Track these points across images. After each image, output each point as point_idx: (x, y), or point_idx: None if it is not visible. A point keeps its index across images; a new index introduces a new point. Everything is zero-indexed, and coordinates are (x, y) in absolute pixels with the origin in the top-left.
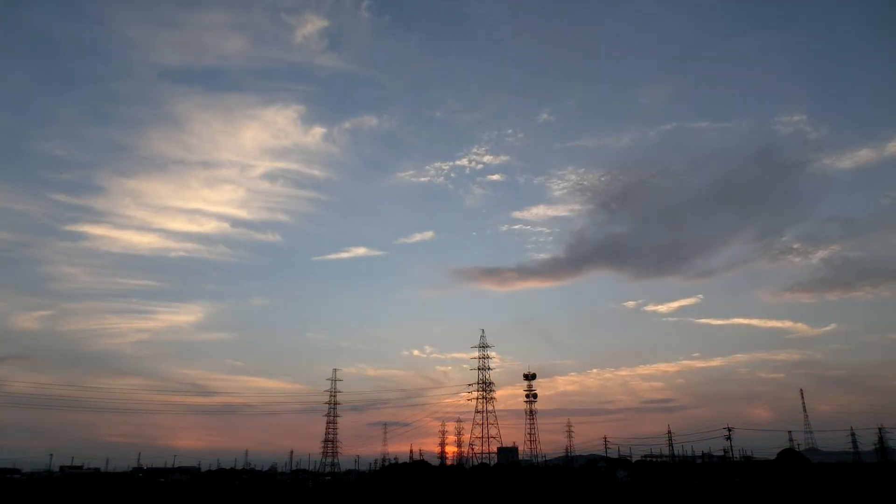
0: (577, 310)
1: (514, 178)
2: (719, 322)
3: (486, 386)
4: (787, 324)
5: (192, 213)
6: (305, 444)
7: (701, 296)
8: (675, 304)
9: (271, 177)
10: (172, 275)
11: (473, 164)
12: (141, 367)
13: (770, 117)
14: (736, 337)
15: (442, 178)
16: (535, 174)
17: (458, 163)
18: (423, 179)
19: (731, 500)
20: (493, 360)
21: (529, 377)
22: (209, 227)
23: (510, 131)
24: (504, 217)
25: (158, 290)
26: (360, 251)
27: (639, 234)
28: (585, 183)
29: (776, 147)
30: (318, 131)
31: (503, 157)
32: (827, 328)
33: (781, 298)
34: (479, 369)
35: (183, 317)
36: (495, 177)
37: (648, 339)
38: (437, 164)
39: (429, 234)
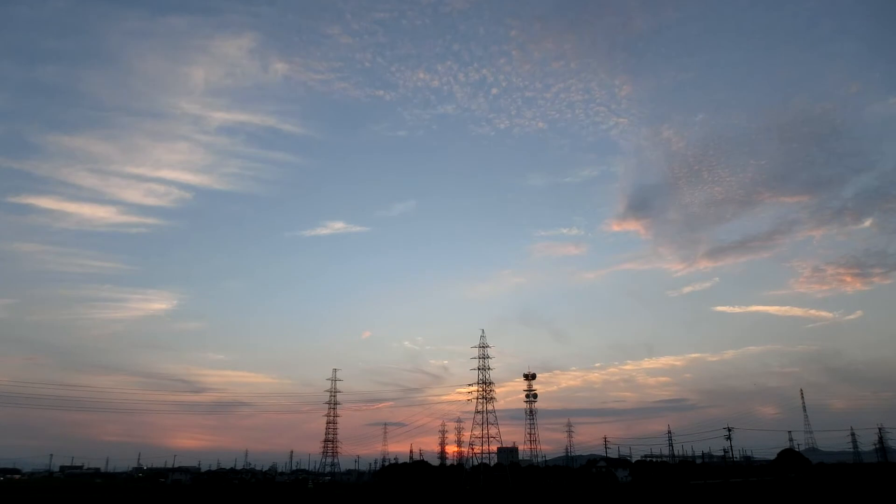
0: (585, 295)
1: (510, 128)
2: (735, 310)
3: (485, 386)
4: (810, 312)
5: (148, 181)
6: (304, 444)
7: (717, 279)
8: (688, 289)
9: (230, 131)
10: (137, 255)
11: (459, 112)
12: (122, 362)
13: (814, 47)
14: (752, 327)
15: (422, 132)
16: (535, 118)
17: (442, 110)
18: (400, 133)
19: (731, 500)
20: (492, 354)
21: (529, 377)
22: (170, 199)
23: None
24: (499, 182)
25: (125, 273)
26: (338, 226)
27: (665, 195)
28: (592, 138)
29: (824, 84)
30: (280, 68)
31: (494, 90)
32: (851, 316)
33: (819, 277)
34: (478, 369)
35: (155, 304)
36: (486, 129)
37: (658, 329)
38: (418, 113)
39: (412, 204)
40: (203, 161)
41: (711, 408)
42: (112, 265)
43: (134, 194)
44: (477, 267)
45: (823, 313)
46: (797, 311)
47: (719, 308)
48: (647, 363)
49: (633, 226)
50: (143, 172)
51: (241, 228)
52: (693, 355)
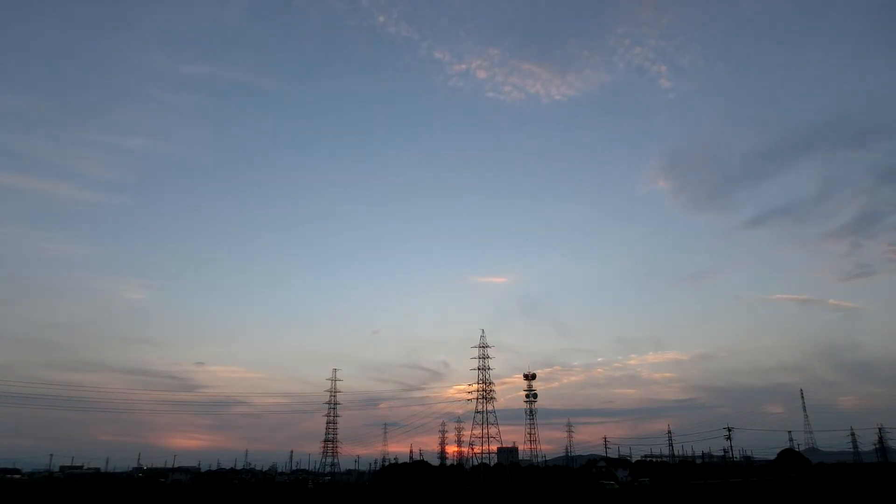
0: (594, 282)
1: (520, 47)
2: (752, 299)
3: (485, 386)
4: (831, 302)
5: (110, 149)
6: (304, 444)
7: (737, 262)
8: (704, 275)
9: (190, 85)
10: (107, 237)
11: (455, 25)
12: (106, 357)
13: None
14: (768, 317)
15: (409, 79)
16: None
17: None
18: (387, 79)
19: (731, 499)
20: (494, 350)
21: (529, 377)
22: (134, 171)
23: None
24: (501, 147)
25: (97, 257)
26: (323, 200)
27: (696, 150)
28: (607, 61)
29: None
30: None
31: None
32: (872, 306)
33: (858, 255)
34: (478, 369)
35: (133, 294)
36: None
37: (668, 320)
38: (404, 27)
39: (403, 183)
40: (164, 122)
41: (716, 406)
42: (82, 249)
43: (93, 166)
44: (477, 257)
45: (847, 303)
46: (817, 300)
47: (735, 297)
48: (652, 357)
49: (660, 184)
50: (106, 140)
51: (211, 200)
52: (701, 350)
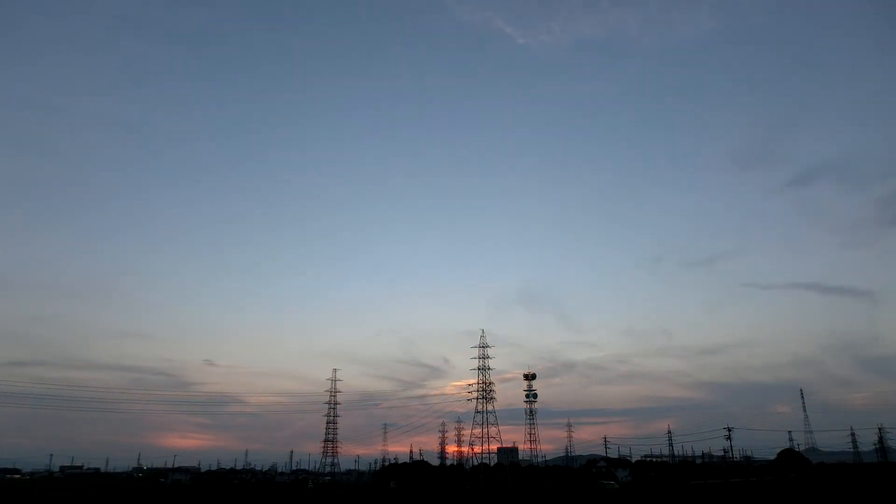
0: (599, 270)
1: None
2: (767, 288)
3: (486, 385)
4: (854, 289)
5: (93, 118)
6: (304, 444)
7: (754, 250)
8: (717, 262)
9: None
10: (80, 221)
11: None
12: (94, 354)
13: None
14: (783, 308)
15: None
16: None
17: None
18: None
19: (731, 500)
20: (495, 343)
21: (529, 377)
22: (123, 150)
23: None
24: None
25: (72, 244)
26: (322, 197)
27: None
28: None
29: None
30: None
31: None
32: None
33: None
34: (479, 369)
35: (131, 290)
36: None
37: (675, 314)
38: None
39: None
40: (168, 106)
41: (722, 405)
42: (54, 234)
43: (75, 140)
44: (478, 249)
45: (873, 287)
46: (838, 287)
47: (749, 285)
48: (658, 352)
49: (687, 143)
50: (89, 108)
51: (216, 203)
52: (709, 344)
